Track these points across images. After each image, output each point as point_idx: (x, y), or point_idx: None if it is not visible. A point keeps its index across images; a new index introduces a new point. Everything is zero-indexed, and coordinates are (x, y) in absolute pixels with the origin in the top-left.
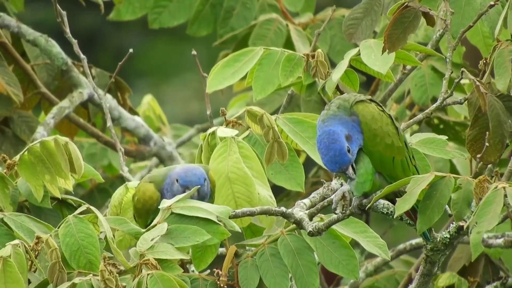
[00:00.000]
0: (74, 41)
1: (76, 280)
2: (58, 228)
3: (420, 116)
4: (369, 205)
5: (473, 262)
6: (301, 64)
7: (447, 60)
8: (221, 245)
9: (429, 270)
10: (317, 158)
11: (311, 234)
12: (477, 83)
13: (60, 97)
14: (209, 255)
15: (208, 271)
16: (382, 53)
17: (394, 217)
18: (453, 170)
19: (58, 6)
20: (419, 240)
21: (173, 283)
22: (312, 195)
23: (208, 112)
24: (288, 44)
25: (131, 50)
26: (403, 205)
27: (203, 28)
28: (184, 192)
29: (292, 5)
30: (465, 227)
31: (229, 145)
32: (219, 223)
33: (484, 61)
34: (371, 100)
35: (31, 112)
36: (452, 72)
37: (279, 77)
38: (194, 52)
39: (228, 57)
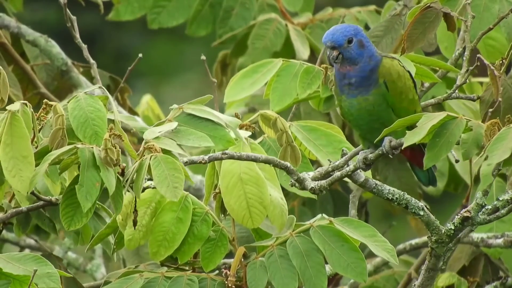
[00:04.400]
0: (84, 46)
1: (79, 145)
2: (68, 102)
3: (432, 100)
4: (376, 140)
5: (472, 262)
6: (319, 76)
7: (464, 58)
8: (230, 252)
9: (434, 264)
10: None
11: (312, 190)
12: (492, 67)
13: (60, 97)
14: (217, 256)
15: (217, 271)
16: (401, 55)
17: (402, 148)
18: (452, 170)
19: (68, 11)
20: (418, 240)
21: (176, 165)
22: (317, 169)
23: None
24: (287, 44)
25: (140, 55)
26: (412, 138)
27: (202, 28)
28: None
29: (291, 5)
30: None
31: (242, 147)
32: (227, 129)
33: (501, 61)
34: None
35: None
36: (467, 70)
37: (297, 89)
38: (203, 57)
39: (247, 68)
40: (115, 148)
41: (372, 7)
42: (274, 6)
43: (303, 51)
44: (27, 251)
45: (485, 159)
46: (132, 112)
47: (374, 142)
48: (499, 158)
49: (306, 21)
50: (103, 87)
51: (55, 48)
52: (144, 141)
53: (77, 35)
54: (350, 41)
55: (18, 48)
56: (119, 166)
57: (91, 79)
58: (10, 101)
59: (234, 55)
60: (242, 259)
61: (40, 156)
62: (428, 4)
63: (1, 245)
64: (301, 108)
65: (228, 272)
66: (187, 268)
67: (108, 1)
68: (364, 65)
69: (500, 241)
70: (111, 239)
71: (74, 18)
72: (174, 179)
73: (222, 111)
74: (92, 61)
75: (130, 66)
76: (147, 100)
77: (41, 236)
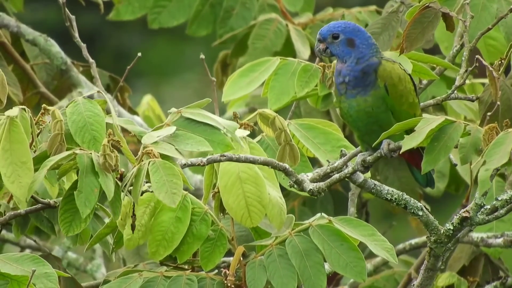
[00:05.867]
0: (83, 45)
1: (77, 151)
2: (66, 107)
3: (431, 101)
4: (374, 143)
5: (472, 262)
6: (317, 75)
7: (463, 58)
8: (230, 251)
9: (433, 264)
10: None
11: (311, 192)
12: (490, 68)
13: (60, 97)
14: (216, 255)
15: (216, 271)
16: (400, 54)
17: (400, 152)
18: (453, 171)
19: (67, 10)
20: (418, 240)
21: (174, 170)
22: (316, 170)
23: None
24: (288, 44)
25: (139, 54)
26: (410, 142)
27: (202, 28)
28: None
29: (292, 5)
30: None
31: (240, 146)
32: (226, 134)
33: (500, 61)
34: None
35: None
36: (466, 70)
37: (294, 88)
38: (202, 56)
39: (245, 67)
40: (114, 154)
41: (373, 7)
42: (274, 6)
43: (304, 51)
44: (27, 251)
45: (483, 164)
46: (132, 111)
47: (373, 146)
48: (497, 163)
49: (306, 21)
50: (101, 91)
51: (55, 47)
52: (142, 146)
53: (76, 34)
54: (335, 37)
55: (18, 47)
56: (118, 171)
57: (91, 78)
58: (10, 100)
59: (235, 55)
60: (241, 259)
61: (38, 161)
62: (426, 4)
63: (1, 246)
64: (301, 107)
65: (227, 272)
66: (186, 267)
67: (108, 1)
68: (352, 65)
69: (500, 240)
70: (110, 239)
71: (73, 17)
72: (172, 185)
73: (223, 111)
74: (91, 60)
75: (130, 66)
76: (147, 101)
77: (41, 237)
